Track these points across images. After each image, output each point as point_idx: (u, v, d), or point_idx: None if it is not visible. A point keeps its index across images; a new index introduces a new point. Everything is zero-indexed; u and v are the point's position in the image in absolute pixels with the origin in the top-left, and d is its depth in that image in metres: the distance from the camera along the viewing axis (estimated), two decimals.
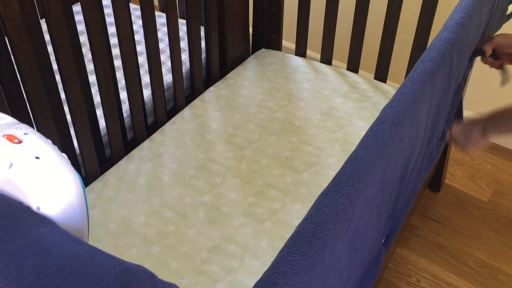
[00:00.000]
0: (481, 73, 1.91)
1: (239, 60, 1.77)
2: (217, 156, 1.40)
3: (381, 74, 1.66)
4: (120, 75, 1.48)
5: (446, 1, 1.80)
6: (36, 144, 0.64)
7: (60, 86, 1.21)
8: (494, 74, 1.90)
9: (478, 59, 1.30)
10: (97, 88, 1.31)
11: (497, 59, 1.26)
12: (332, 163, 1.38)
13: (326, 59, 1.74)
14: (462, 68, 1.12)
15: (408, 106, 0.85)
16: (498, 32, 1.31)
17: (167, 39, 1.66)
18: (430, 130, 1.03)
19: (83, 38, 1.43)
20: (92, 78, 1.35)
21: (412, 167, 0.96)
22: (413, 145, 0.92)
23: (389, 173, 0.82)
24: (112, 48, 1.36)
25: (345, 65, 1.75)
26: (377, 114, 0.85)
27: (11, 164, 0.62)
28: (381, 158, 0.77)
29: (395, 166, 0.85)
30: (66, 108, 1.24)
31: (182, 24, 1.66)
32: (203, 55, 1.66)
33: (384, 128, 0.80)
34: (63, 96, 1.23)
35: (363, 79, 1.66)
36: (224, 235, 1.21)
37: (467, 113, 2.03)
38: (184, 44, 1.65)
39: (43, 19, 1.15)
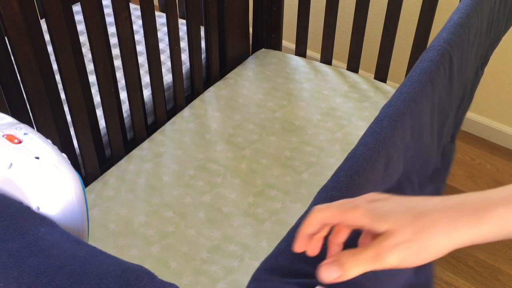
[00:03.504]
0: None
1: (239, 60, 1.77)
2: (217, 156, 1.40)
3: (381, 74, 1.66)
4: (120, 75, 1.48)
5: (446, 1, 1.80)
6: (36, 144, 0.64)
7: (60, 86, 1.21)
8: (493, 75, 1.90)
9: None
10: (97, 88, 1.31)
11: None
12: (332, 163, 1.38)
13: (326, 59, 1.74)
14: (467, 67, 1.11)
15: (407, 104, 0.85)
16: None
17: (167, 39, 1.66)
18: (437, 133, 1.02)
19: (83, 38, 1.43)
20: (92, 78, 1.35)
21: (422, 169, 0.95)
22: (416, 143, 0.92)
23: (390, 170, 0.82)
24: (112, 48, 1.36)
25: (345, 65, 1.75)
26: (377, 113, 0.85)
27: (11, 164, 0.62)
28: (381, 154, 0.77)
29: (397, 162, 0.84)
30: (66, 108, 1.24)
31: (182, 24, 1.66)
32: (203, 55, 1.66)
33: (383, 125, 0.80)
34: (63, 96, 1.23)
35: (363, 79, 1.66)
36: (224, 235, 1.21)
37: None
38: (184, 44, 1.65)
39: (43, 19, 1.15)
